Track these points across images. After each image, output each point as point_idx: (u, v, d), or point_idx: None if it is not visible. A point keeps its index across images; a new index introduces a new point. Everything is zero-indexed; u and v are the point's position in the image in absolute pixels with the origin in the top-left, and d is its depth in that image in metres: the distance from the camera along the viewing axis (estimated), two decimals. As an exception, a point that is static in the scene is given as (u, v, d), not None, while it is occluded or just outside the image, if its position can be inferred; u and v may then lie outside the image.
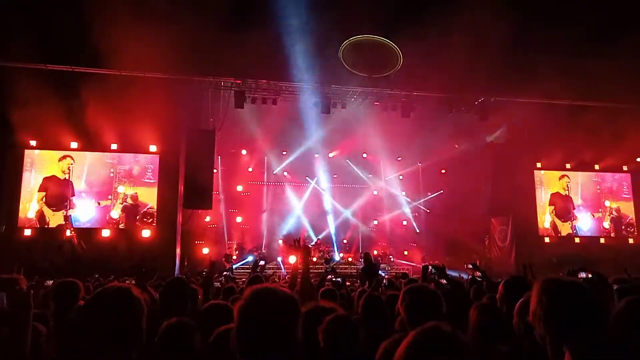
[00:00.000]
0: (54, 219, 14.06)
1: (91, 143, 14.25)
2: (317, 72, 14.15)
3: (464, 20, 12.56)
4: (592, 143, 15.57)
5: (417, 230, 19.94)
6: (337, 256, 18.25)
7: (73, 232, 13.66)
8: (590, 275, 3.78)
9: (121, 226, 14.47)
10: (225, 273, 13.81)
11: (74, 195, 14.33)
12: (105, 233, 14.26)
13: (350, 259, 18.59)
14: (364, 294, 4.78)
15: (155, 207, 14.71)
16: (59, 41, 12.35)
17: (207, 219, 17.81)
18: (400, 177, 20.40)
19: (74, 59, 13.11)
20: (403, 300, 2.66)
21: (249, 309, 1.69)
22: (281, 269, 16.39)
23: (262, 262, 16.61)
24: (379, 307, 3.49)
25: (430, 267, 5.61)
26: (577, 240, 16.96)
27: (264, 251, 17.83)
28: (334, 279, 9.03)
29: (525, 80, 13.80)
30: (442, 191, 19.14)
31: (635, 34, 12.10)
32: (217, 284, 8.31)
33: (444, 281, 4.92)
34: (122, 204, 14.68)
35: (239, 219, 19.02)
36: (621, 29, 12.62)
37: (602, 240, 17.04)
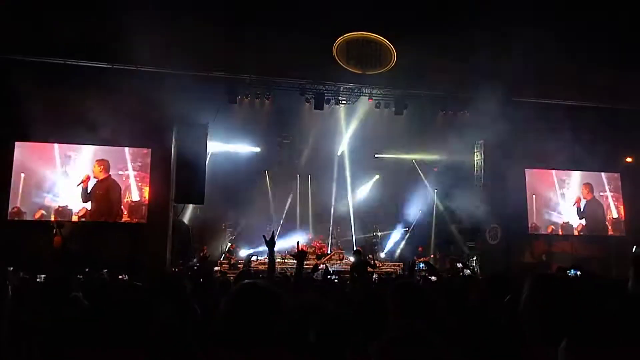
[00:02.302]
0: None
1: (82, 136, 14.13)
2: (311, 68, 14.16)
3: (460, 19, 12.64)
4: (583, 143, 15.66)
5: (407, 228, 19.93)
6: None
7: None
8: (579, 273, 3.83)
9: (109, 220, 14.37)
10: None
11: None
12: (95, 226, 14.17)
13: (341, 255, 18.60)
14: (357, 289, 4.82)
15: (147, 200, 14.64)
16: (51, 34, 12.24)
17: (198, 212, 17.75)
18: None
19: (66, 52, 13.01)
20: (391, 295, 2.67)
21: (233, 303, 1.73)
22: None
23: (254, 257, 16.64)
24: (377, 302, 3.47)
25: (419, 264, 5.65)
26: (567, 238, 17.08)
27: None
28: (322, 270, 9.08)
29: (517, 80, 13.91)
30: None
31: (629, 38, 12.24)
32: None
33: (434, 277, 4.96)
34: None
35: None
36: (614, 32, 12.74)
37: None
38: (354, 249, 15.21)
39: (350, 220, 19.57)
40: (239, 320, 1.71)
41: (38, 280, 8.23)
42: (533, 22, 12.75)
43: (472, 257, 17.38)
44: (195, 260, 15.27)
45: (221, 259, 16.99)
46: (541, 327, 1.75)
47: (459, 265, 16.52)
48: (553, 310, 1.75)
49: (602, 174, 17.80)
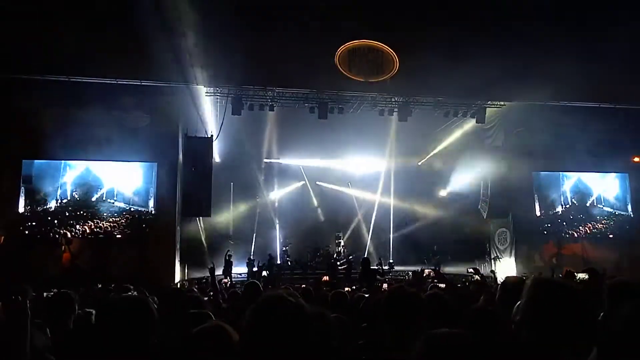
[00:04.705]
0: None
1: (89, 152, 14.21)
2: (314, 77, 14.18)
3: (461, 24, 12.65)
4: (590, 144, 15.56)
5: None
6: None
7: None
8: (587, 277, 3.77)
9: (118, 235, 14.39)
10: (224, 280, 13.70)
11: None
12: (103, 242, 14.20)
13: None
14: (362, 298, 4.79)
15: (155, 214, 14.68)
16: (55, 52, 12.35)
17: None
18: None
19: (71, 69, 13.13)
20: (385, 301, 2.65)
21: (260, 316, 1.70)
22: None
23: (265, 273, 16.19)
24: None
25: (427, 271, 5.61)
26: (577, 240, 16.92)
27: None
28: None
29: (522, 83, 13.85)
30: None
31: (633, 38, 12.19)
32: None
33: (442, 284, 4.93)
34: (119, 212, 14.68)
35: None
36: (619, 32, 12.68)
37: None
38: (363, 257, 15.09)
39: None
40: (265, 333, 1.68)
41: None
42: (538, 24, 12.76)
43: (483, 262, 17.27)
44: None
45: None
46: (540, 332, 1.71)
47: (470, 270, 16.37)
48: (552, 316, 1.71)
49: (611, 174, 17.69)
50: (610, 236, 16.81)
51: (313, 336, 1.75)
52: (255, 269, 16.17)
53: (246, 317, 1.73)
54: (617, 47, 12.65)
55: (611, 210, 17.65)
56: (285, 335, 1.66)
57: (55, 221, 14.17)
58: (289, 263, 18.05)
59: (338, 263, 18.05)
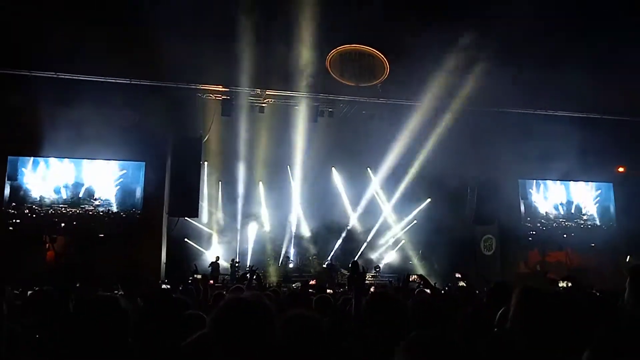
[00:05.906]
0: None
1: (76, 150, 14.09)
2: (305, 80, 14.18)
3: (449, 30, 12.74)
4: (576, 153, 15.75)
5: (402, 240, 19.76)
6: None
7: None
8: (569, 284, 3.82)
9: (103, 234, 14.24)
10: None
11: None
12: (89, 240, 14.06)
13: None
14: (349, 301, 4.80)
15: (141, 213, 14.58)
16: (43, 48, 12.22)
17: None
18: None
19: (59, 66, 13.01)
20: (367, 305, 2.69)
21: (220, 317, 1.72)
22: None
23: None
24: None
25: (413, 276, 5.64)
26: (561, 248, 17.07)
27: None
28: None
29: (511, 92, 14.00)
30: (429, 200, 18.96)
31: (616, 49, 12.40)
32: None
33: (428, 290, 4.96)
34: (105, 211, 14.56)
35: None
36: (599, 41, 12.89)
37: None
38: (351, 261, 15.02)
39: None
40: (227, 335, 1.69)
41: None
42: (529, 35, 12.91)
43: (468, 269, 17.34)
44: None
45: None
46: (529, 339, 1.73)
47: (458, 275, 16.47)
48: (540, 324, 1.73)
49: (595, 183, 17.91)
50: (593, 245, 16.98)
51: (280, 336, 1.76)
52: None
53: (208, 320, 1.76)
54: (606, 58, 12.85)
55: (595, 218, 17.86)
56: (245, 336, 1.67)
57: (40, 219, 14.00)
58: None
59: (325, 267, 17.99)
